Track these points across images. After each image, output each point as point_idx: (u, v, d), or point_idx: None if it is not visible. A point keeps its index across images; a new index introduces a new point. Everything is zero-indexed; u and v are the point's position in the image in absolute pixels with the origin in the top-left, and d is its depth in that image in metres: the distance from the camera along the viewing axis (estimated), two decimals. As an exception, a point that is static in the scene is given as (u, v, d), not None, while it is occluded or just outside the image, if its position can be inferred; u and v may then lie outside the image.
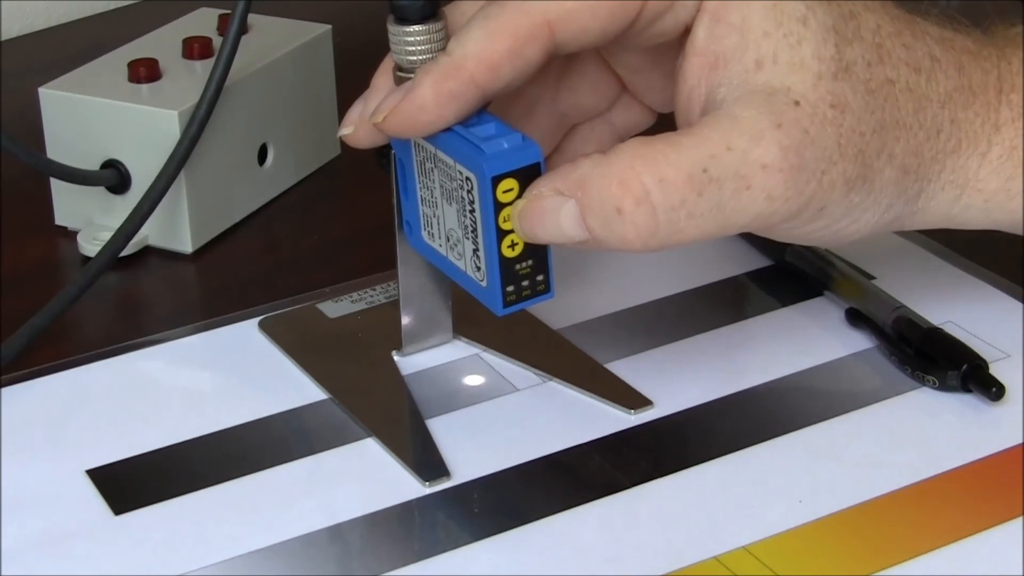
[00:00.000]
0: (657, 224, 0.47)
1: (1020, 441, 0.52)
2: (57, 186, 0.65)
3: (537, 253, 0.50)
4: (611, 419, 0.54)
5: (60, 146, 0.64)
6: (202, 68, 0.65)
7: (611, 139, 0.55)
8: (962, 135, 0.51)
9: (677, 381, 0.55)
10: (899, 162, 0.50)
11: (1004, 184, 0.52)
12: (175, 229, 0.64)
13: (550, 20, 0.48)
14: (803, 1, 0.48)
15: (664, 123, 0.54)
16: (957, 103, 0.51)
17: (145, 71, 0.64)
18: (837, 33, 0.49)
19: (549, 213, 0.48)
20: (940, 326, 0.56)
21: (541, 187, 0.48)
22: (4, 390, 0.56)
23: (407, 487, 0.51)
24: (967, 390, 0.54)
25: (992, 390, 0.53)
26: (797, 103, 0.48)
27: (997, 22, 0.54)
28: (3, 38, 0.85)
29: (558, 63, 0.53)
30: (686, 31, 0.50)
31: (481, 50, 0.48)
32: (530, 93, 0.53)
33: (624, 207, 0.47)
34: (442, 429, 0.53)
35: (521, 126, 0.52)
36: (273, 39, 0.68)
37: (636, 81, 0.54)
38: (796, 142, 0.47)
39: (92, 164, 0.64)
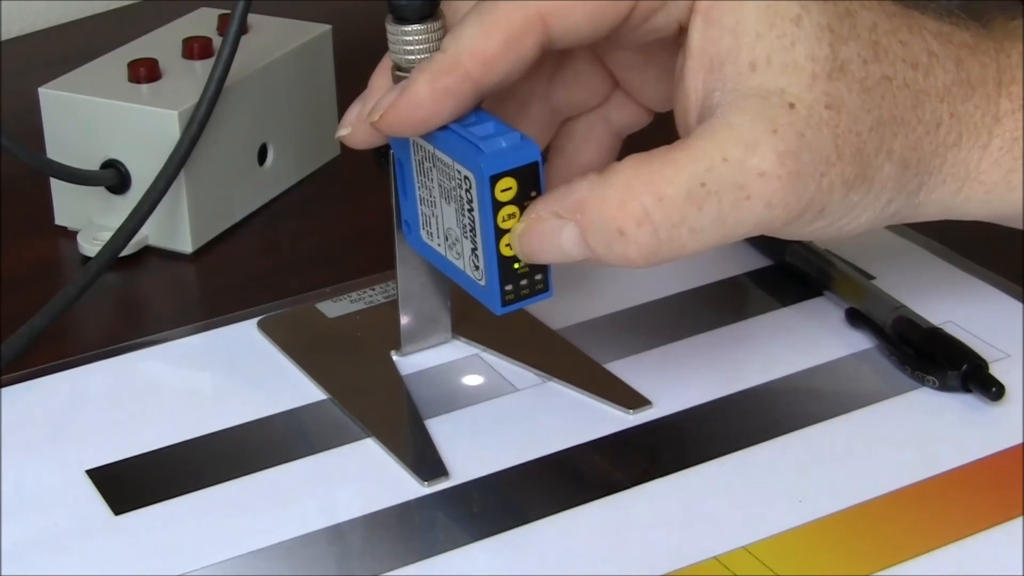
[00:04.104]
0: (659, 242, 0.47)
1: (1020, 441, 0.52)
2: (57, 186, 0.65)
3: (536, 253, 0.50)
4: (610, 419, 0.54)
5: (60, 146, 0.64)
6: (202, 68, 0.65)
7: (609, 138, 0.55)
8: (962, 128, 0.51)
9: (677, 381, 0.55)
10: (898, 157, 0.50)
11: (1004, 176, 0.52)
12: (175, 229, 0.64)
13: (543, 14, 0.48)
14: (797, 1, 0.48)
15: (665, 122, 0.54)
16: (956, 97, 0.51)
17: (145, 71, 0.64)
18: (832, 32, 0.48)
19: (549, 235, 0.48)
20: (940, 326, 0.56)
21: (540, 210, 0.48)
22: (4, 390, 0.56)
23: (406, 487, 0.51)
24: (967, 390, 0.54)
25: (992, 390, 0.53)
26: (792, 106, 0.48)
27: (997, 16, 0.54)
28: (3, 38, 0.85)
29: (551, 59, 0.53)
30: (680, 30, 0.50)
31: (475, 45, 0.48)
32: (523, 89, 0.53)
33: (626, 229, 0.47)
34: (441, 429, 0.53)
35: (515, 122, 0.52)
36: (273, 39, 0.68)
37: (629, 79, 0.54)
38: (793, 147, 0.47)
39: (92, 164, 0.64)
